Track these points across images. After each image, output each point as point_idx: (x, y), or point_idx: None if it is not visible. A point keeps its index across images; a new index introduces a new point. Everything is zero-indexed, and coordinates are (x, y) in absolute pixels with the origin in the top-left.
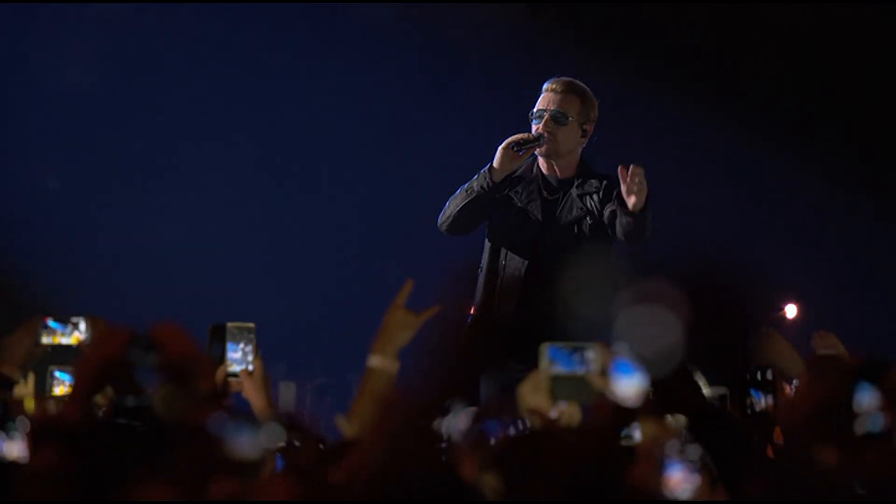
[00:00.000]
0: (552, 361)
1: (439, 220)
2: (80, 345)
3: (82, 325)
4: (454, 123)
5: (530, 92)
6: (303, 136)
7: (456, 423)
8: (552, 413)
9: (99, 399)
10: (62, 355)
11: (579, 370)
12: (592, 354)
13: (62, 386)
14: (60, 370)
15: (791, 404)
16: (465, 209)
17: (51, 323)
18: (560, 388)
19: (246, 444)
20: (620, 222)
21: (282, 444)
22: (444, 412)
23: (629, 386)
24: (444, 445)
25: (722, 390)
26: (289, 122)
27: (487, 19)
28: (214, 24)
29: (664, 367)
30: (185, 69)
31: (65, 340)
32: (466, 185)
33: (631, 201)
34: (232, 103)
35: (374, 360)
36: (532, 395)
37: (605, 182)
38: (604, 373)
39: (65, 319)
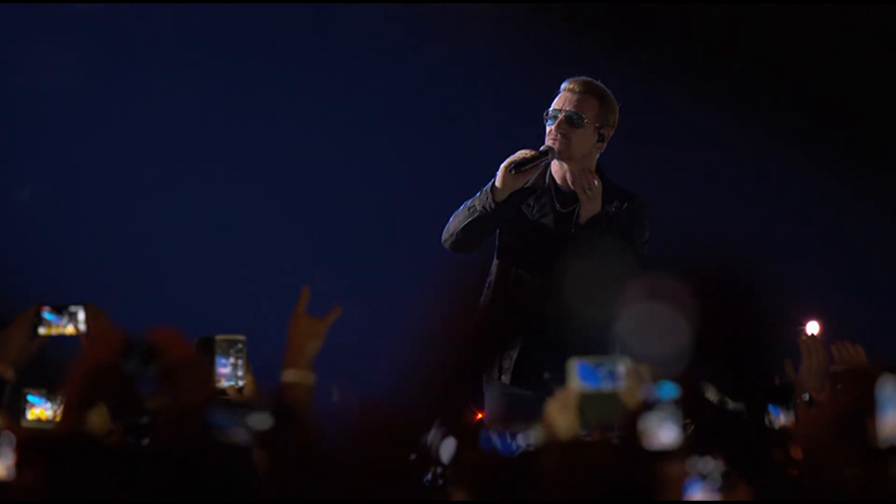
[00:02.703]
0: (581, 378)
1: (443, 237)
2: (78, 336)
3: (81, 315)
4: (457, 127)
5: (537, 93)
6: (296, 138)
7: (443, 438)
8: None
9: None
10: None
11: (610, 386)
12: (623, 369)
13: (33, 409)
14: (33, 394)
15: (813, 418)
16: (468, 229)
17: (46, 314)
18: (590, 405)
19: (237, 429)
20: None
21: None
22: (431, 427)
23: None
24: (428, 461)
25: (738, 406)
26: (281, 124)
27: (493, 19)
28: (200, 23)
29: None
30: (170, 70)
31: (62, 331)
32: (469, 201)
33: (582, 208)
34: (221, 105)
35: (289, 375)
36: (561, 413)
37: (626, 204)
38: (636, 389)
39: (61, 309)
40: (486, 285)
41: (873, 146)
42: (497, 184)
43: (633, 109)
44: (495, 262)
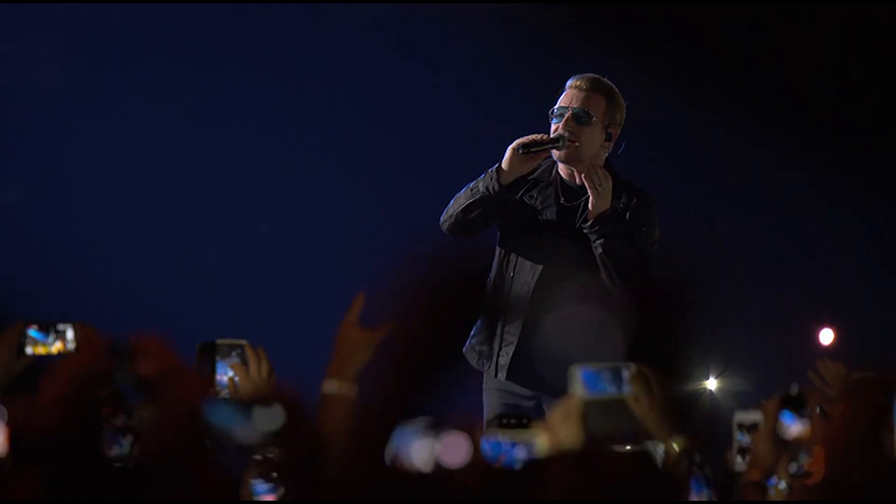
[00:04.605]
0: (584, 385)
1: (441, 219)
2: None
3: (69, 334)
4: (457, 126)
5: (538, 93)
6: (292, 137)
7: (421, 440)
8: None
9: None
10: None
11: (615, 393)
12: (628, 374)
13: (36, 346)
14: (34, 329)
15: (828, 429)
16: (468, 210)
17: (31, 332)
18: (594, 414)
19: (242, 429)
20: (595, 252)
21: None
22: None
23: None
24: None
25: (756, 416)
26: (276, 122)
27: (495, 17)
28: (191, 21)
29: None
30: (161, 69)
31: (49, 350)
32: (472, 183)
33: (591, 205)
34: (213, 104)
35: (330, 386)
36: (564, 423)
37: (634, 200)
38: (642, 395)
39: (48, 328)
40: (487, 280)
41: (887, 146)
42: (504, 165)
43: (637, 108)
44: (496, 254)
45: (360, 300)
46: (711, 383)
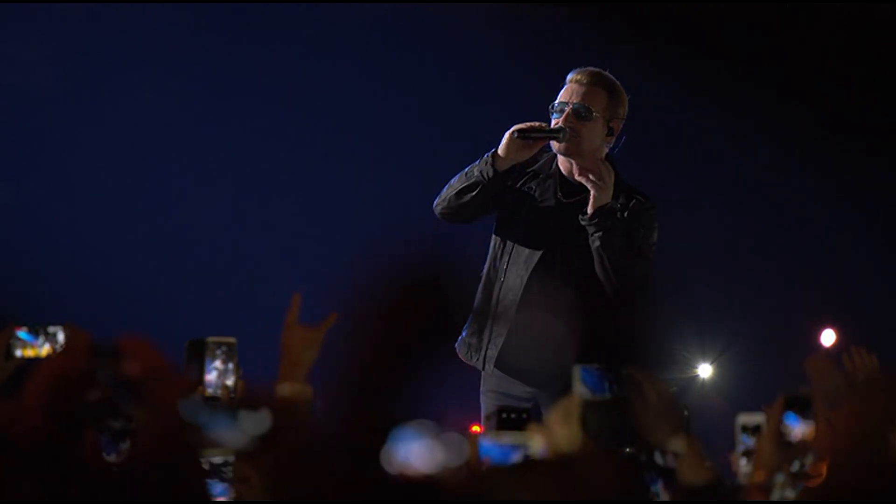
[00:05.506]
0: (584, 384)
1: (434, 203)
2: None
3: (60, 336)
4: (459, 124)
5: (538, 91)
6: (288, 138)
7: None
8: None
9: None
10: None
11: (616, 393)
12: (628, 374)
13: (25, 348)
14: (23, 331)
15: (832, 431)
16: (461, 194)
17: (21, 334)
18: (594, 415)
19: (226, 433)
20: (593, 246)
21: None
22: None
23: None
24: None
25: (759, 419)
26: (268, 122)
27: (496, 16)
28: (189, 21)
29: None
30: (152, 68)
31: (38, 353)
32: (468, 168)
33: (592, 197)
34: (209, 104)
35: (284, 389)
36: (563, 424)
37: (633, 202)
38: (643, 396)
39: (38, 330)
40: (481, 272)
41: (888, 146)
42: (500, 151)
43: (639, 107)
44: (490, 245)
45: (297, 301)
46: (704, 370)
